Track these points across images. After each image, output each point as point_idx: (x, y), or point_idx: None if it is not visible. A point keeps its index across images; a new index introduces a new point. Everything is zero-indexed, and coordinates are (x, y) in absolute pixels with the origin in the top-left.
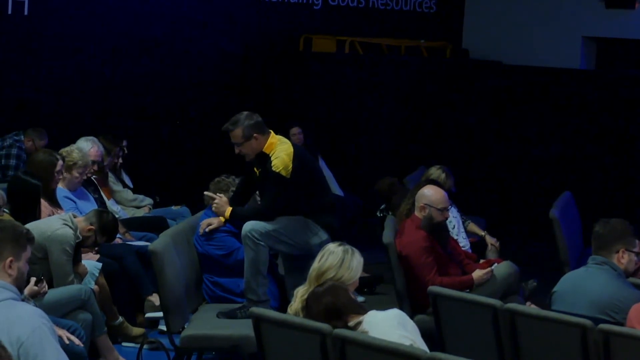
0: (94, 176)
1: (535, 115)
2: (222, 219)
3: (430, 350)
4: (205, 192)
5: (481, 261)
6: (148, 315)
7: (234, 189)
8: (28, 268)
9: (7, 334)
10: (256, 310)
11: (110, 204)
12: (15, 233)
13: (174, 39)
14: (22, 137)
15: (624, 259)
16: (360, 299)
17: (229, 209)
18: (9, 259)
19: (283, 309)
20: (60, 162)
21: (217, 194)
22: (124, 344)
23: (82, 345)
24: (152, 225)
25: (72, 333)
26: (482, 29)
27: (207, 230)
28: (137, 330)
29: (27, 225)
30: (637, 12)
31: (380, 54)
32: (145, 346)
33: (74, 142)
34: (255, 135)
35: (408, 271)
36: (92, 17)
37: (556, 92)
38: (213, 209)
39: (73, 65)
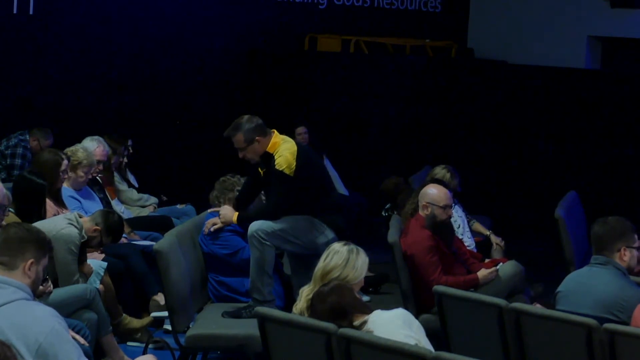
0: (99, 175)
1: (540, 115)
2: None
3: (436, 349)
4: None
5: (486, 260)
6: (153, 314)
7: (239, 188)
8: (42, 277)
9: (24, 335)
10: (261, 309)
11: (114, 204)
12: (40, 237)
13: (179, 39)
14: (27, 136)
15: (626, 256)
16: (365, 298)
17: (235, 214)
18: (30, 260)
19: (288, 309)
20: (65, 162)
21: (220, 201)
22: (129, 343)
23: (87, 344)
24: (158, 225)
25: (77, 332)
26: (487, 29)
27: (212, 229)
28: (141, 321)
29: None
30: None
31: (386, 54)
32: (150, 345)
33: (79, 141)
34: (257, 138)
35: (413, 271)
36: (98, 17)
37: (561, 92)
38: (220, 220)
39: (78, 64)
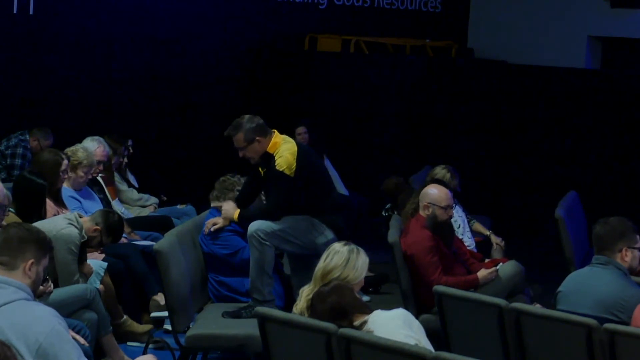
0: (100, 175)
1: (540, 115)
2: None
3: (436, 349)
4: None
5: (486, 260)
6: (153, 314)
7: (239, 187)
8: (42, 277)
9: (24, 335)
10: (261, 309)
11: (115, 204)
12: (40, 237)
13: (179, 38)
14: (28, 136)
15: (627, 256)
16: (366, 298)
17: (236, 212)
18: (31, 260)
19: (288, 309)
20: (65, 162)
21: (220, 201)
22: (129, 343)
23: (87, 344)
24: (158, 225)
25: (78, 332)
26: (487, 29)
27: (212, 229)
28: (142, 327)
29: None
30: None
31: (386, 54)
32: (150, 345)
33: (79, 141)
34: (257, 138)
35: (413, 271)
36: (97, 16)
37: (561, 92)
38: (222, 216)
39: (78, 64)
